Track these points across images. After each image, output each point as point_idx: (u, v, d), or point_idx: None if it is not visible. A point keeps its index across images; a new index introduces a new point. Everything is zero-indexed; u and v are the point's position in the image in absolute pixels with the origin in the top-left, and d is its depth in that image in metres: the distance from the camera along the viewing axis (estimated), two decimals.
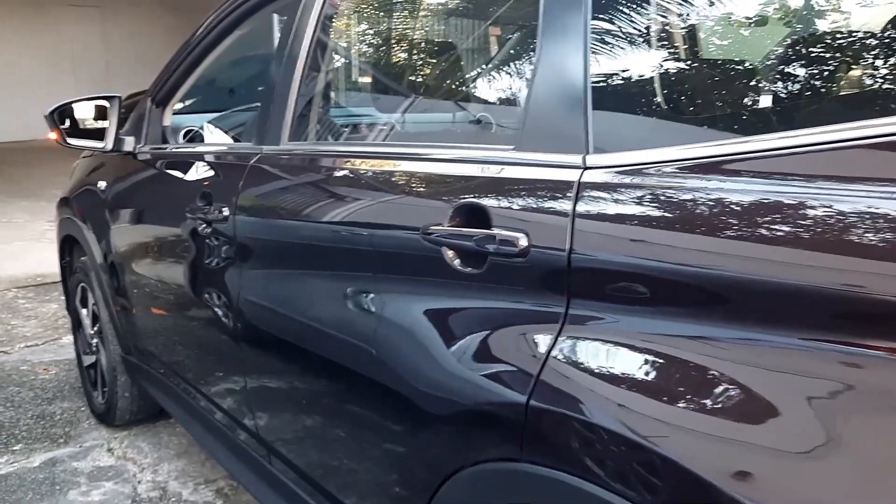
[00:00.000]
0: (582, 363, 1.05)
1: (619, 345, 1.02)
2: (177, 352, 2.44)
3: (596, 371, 1.03)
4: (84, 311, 3.18)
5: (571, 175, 1.08)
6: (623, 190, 1.02)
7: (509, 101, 1.50)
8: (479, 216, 1.20)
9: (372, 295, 1.43)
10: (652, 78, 1.17)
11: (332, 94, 2.08)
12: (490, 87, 1.73)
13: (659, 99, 1.15)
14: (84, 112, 2.67)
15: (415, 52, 2.02)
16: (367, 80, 2.22)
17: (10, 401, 3.34)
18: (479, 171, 1.26)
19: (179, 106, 2.75)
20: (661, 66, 1.22)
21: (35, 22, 14.07)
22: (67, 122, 2.61)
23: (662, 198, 0.98)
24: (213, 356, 2.17)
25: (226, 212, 1.87)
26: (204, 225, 1.98)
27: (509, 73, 1.61)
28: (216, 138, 2.55)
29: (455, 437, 1.23)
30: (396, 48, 2.10)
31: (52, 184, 8.53)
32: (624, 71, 1.16)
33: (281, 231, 1.70)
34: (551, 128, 1.15)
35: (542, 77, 1.18)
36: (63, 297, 3.62)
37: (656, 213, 0.98)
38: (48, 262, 5.20)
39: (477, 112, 1.62)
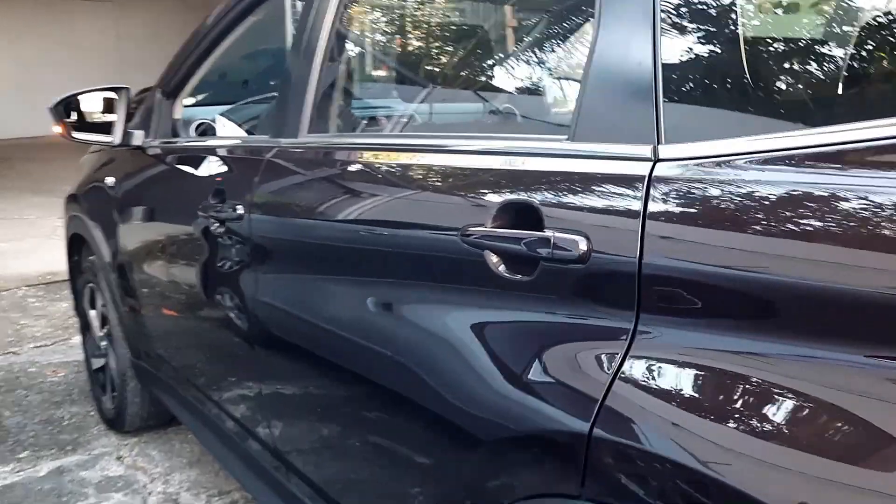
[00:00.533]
0: (655, 387, 0.90)
1: (700, 367, 0.88)
2: (189, 358, 2.31)
3: (672, 397, 0.89)
4: (93, 313, 3.06)
5: (640, 168, 0.94)
6: (703, 185, 0.88)
7: (560, 86, 1.35)
8: (528, 216, 1.05)
9: (404, 302, 1.29)
10: (735, 55, 1.01)
11: (356, 82, 1.94)
12: (536, 70, 1.56)
13: (745, 79, 1.00)
14: (91, 105, 2.55)
15: (448, 32, 1.82)
16: (395, 65, 2.02)
17: (17, 404, 3.23)
18: (526, 164, 1.11)
19: (191, 100, 2.61)
20: (747, 40, 1.06)
21: (47, 17, 13.98)
22: (73, 116, 2.48)
23: (751, 195, 0.84)
24: (227, 364, 2.03)
25: (240, 210, 1.73)
26: (217, 224, 1.85)
27: (559, 54, 1.45)
28: (229, 131, 2.41)
29: (501, 467, 1.08)
30: (427, 27, 1.90)
31: (64, 180, 8.41)
32: (701, 46, 1.00)
33: (301, 231, 1.56)
34: (613, 115, 1.01)
35: (601, 57, 1.03)
36: (72, 293, 3.50)
37: (744, 213, 0.83)
38: (59, 259, 5.08)
39: (521, 99, 1.47)
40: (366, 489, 1.48)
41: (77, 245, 3.18)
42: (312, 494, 1.64)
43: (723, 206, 0.85)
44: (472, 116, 1.69)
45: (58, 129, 2.43)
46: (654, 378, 0.91)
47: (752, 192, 0.84)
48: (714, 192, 0.87)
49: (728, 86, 1.02)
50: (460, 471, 1.18)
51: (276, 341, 1.74)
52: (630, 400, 0.91)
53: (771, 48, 1.16)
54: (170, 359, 2.43)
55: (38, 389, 3.41)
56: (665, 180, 0.91)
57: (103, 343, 2.97)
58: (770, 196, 0.82)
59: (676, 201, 0.89)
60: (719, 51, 1.02)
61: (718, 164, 0.88)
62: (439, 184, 1.25)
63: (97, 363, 3.05)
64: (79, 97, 2.46)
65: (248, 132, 2.39)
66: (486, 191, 1.15)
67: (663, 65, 0.95)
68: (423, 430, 1.28)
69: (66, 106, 2.41)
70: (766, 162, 0.84)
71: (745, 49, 0.98)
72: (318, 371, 1.61)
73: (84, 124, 2.48)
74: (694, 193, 0.88)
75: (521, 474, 1.05)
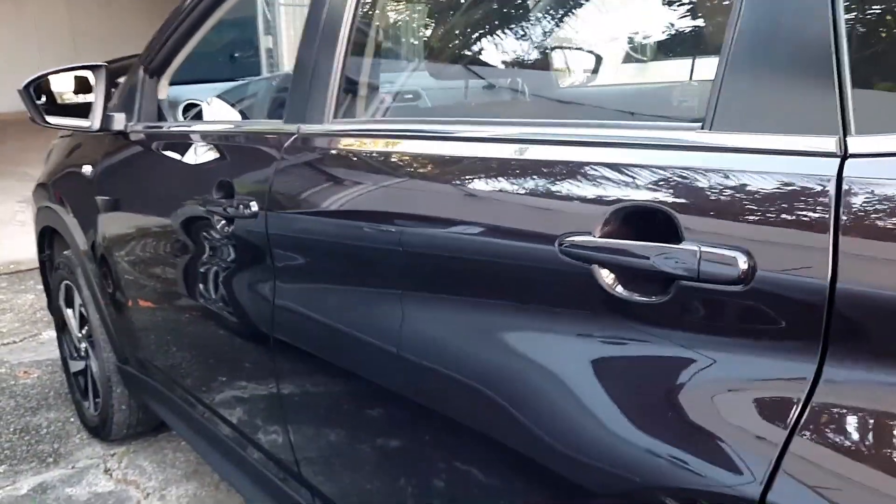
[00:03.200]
0: (847, 445, 0.71)
1: None
2: (188, 365, 2.08)
3: (869, 459, 0.70)
4: (69, 312, 2.80)
5: (823, 167, 0.74)
6: None
7: (688, 59, 1.13)
8: (653, 224, 0.85)
9: (478, 325, 1.08)
10: None
11: (398, 56, 1.68)
12: (652, 39, 1.30)
13: None
14: (62, 85, 2.28)
15: None
16: (450, 29, 1.65)
17: None
18: (646, 159, 0.91)
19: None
20: None
21: None
22: (44, 98, 2.22)
23: None
24: (236, 373, 1.81)
25: (254, 206, 1.50)
26: (223, 222, 1.62)
27: (683, 17, 1.20)
28: (224, 114, 2.17)
29: None
30: None
31: (21, 161, 8.04)
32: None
33: (334, 232, 1.34)
34: (773, 96, 0.81)
35: (751, 13, 0.82)
36: (41, 288, 3.24)
37: None
38: (22, 247, 4.79)
39: (633, 75, 1.24)
40: None
41: (48, 238, 2.92)
42: None
43: None
44: (571, 96, 1.44)
45: (29, 115, 2.16)
46: (845, 433, 0.72)
47: None
48: None
49: None
50: None
51: (298, 350, 1.52)
52: (815, 461, 0.73)
53: None
54: (161, 364, 2.20)
55: (10, 393, 3.16)
56: (862, 182, 0.71)
57: (83, 345, 2.72)
58: None
59: (879, 209, 0.70)
60: None
61: None
62: (525, 181, 1.03)
63: (76, 366, 2.81)
64: (49, 77, 2.20)
65: (244, 115, 2.15)
66: (589, 191, 0.94)
67: (847, 28, 0.75)
68: (494, 472, 1.08)
69: (37, 88, 2.15)
70: None
71: None
72: (351, 389, 1.40)
73: (57, 107, 2.21)
74: None
75: None
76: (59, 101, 2.34)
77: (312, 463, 1.54)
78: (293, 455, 1.57)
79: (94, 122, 2.12)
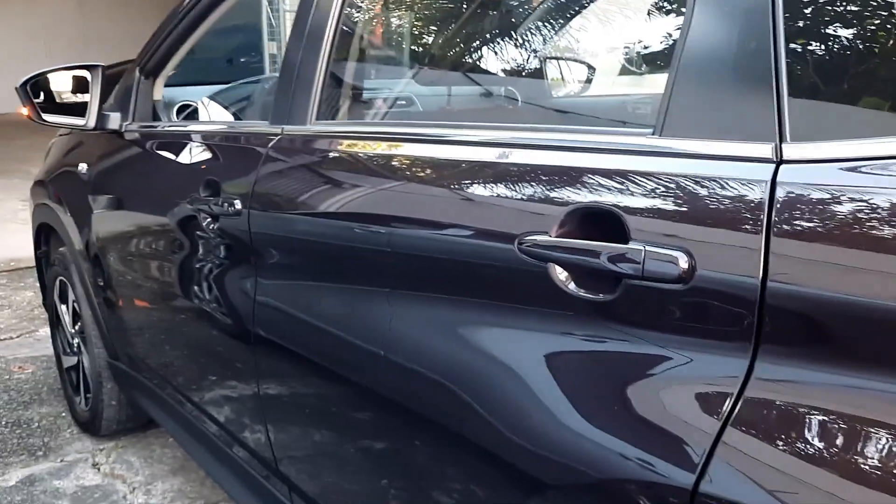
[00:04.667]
0: (778, 438, 0.75)
1: (833, 414, 0.73)
2: (174, 361, 2.12)
3: (798, 452, 0.73)
4: (63, 308, 2.84)
5: (758, 172, 0.78)
6: (847, 196, 0.72)
7: (641, 69, 1.18)
8: (604, 224, 0.89)
9: (443, 320, 1.11)
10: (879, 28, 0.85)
11: (377, 60, 1.73)
12: (608, 50, 1.36)
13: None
14: (61, 84, 2.33)
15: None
16: (427, 37, 1.73)
17: None
18: (600, 163, 0.94)
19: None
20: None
21: None
22: (42, 96, 2.27)
23: None
24: (220, 369, 1.85)
25: (238, 205, 1.54)
26: (209, 219, 1.66)
27: (639, 28, 1.25)
28: (217, 115, 2.21)
29: None
30: None
31: (25, 160, 8.09)
32: (833, 16, 0.84)
33: (312, 231, 1.38)
34: (717, 105, 0.84)
35: (698, 30, 0.86)
36: (39, 286, 3.28)
37: None
38: (22, 245, 4.83)
39: (588, 85, 1.29)
40: None
41: (45, 235, 2.96)
42: None
43: (869, 222, 0.70)
44: (533, 102, 1.49)
45: (25, 111, 2.21)
46: (776, 425, 0.75)
47: None
48: (856, 202, 0.71)
49: (871, 71, 0.85)
50: None
51: (278, 348, 1.56)
52: (746, 452, 0.76)
53: None
54: (150, 360, 2.23)
55: (4, 388, 3.19)
56: (795, 187, 0.75)
57: (76, 340, 2.76)
58: None
59: (809, 213, 0.73)
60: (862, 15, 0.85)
61: (857, 170, 0.73)
62: (489, 182, 1.07)
63: (69, 361, 2.85)
64: (48, 76, 2.25)
65: (236, 116, 2.19)
66: (548, 193, 0.98)
67: (785, 35, 0.79)
68: (459, 464, 1.12)
69: (35, 86, 2.20)
70: None
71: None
72: (330, 387, 1.43)
73: (54, 106, 2.26)
74: (831, 204, 0.72)
75: None
76: (57, 100, 2.38)
77: (289, 458, 1.58)
78: (272, 451, 1.61)
79: (90, 120, 2.17)
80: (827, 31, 0.83)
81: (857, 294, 0.70)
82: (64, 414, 2.95)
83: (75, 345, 2.77)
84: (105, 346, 2.52)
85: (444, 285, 1.13)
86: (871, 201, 0.71)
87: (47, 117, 2.21)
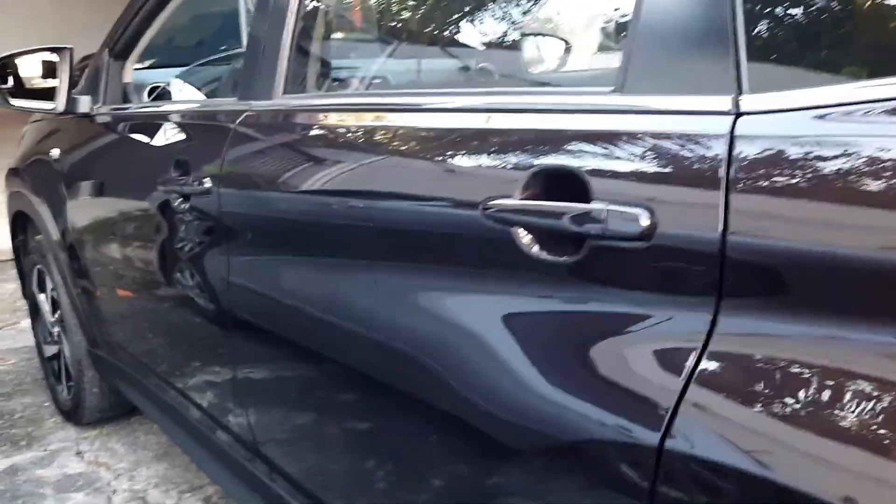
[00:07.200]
0: (740, 392, 0.74)
1: (799, 365, 0.72)
2: (151, 346, 2.11)
3: (762, 404, 0.72)
4: (42, 297, 2.82)
5: (717, 125, 0.76)
6: (805, 145, 0.71)
7: (600, 28, 1.16)
8: (567, 186, 0.88)
9: (409, 289, 1.10)
10: None
11: (343, 31, 1.71)
12: (567, 8, 1.35)
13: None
14: (31, 69, 2.29)
15: None
16: (391, 6, 1.72)
17: None
18: (559, 124, 0.93)
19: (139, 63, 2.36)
20: None
21: None
22: (10, 81, 2.23)
23: (865, 157, 0.67)
24: (194, 351, 1.84)
25: (207, 183, 1.52)
26: (180, 199, 1.64)
27: None
28: (187, 95, 2.18)
29: (546, 486, 0.92)
30: None
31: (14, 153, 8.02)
32: None
33: (281, 205, 1.37)
34: (675, 60, 0.83)
35: None
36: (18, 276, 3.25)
37: (859, 178, 0.67)
38: (3, 237, 4.80)
39: (548, 45, 1.27)
40: (351, 486, 1.32)
41: (21, 223, 2.94)
42: (291, 490, 1.48)
43: (828, 170, 0.69)
44: (494, 67, 1.47)
45: None
46: (740, 380, 0.75)
47: (865, 152, 0.67)
48: (824, 152, 0.70)
49: (831, 20, 0.83)
50: (479, 483, 1.02)
51: (252, 327, 1.55)
52: (710, 408, 0.75)
53: None
54: (129, 347, 2.22)
55: None
56: (752, 139, 0.74)
57: (55, 329, 2.74)
58: (889, 158, 0.66)
59: (771, 165, 0.72)
60: None
61: (815, 118, 0.72)
62: (450, 149, 1.06)
63: (50, 351, 2.83)
64: (15, 59, 2.21)
65: (208, 95, 2.16)
66: (510, 157, 0.97)
67: None
68: (430, 431, 1.11)
69: (2, 68, 2.16)
70: (889, 113, 0.67)
71: None
72: (304, 363, 1.42)
73: (23, 90, 2.22)
74: (794, 155, 0.71)
75: (574, 496, 0.88)
76: (27, 85, 2.34)
77: (270, 439, 1.57)
78: (252, 433, 1.60)
79: (59, 104, 2.13)
80: None
81: (818, 244, 0.70)
82: (47, 404, 2.93)
83: (55, 334, 2.75)
84: (84, 334, 2.50)
85: (413, 255, 1.11)
86: (829, 149, 0.69)
87: (14, 101, 2.17)
